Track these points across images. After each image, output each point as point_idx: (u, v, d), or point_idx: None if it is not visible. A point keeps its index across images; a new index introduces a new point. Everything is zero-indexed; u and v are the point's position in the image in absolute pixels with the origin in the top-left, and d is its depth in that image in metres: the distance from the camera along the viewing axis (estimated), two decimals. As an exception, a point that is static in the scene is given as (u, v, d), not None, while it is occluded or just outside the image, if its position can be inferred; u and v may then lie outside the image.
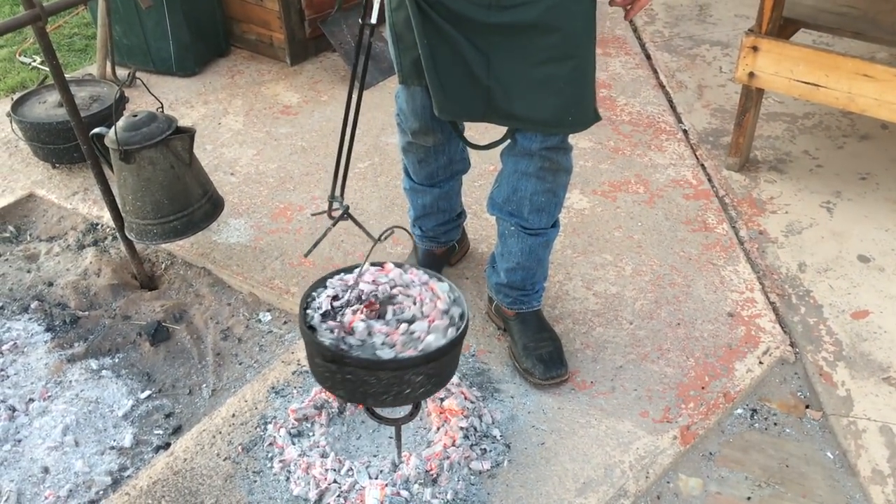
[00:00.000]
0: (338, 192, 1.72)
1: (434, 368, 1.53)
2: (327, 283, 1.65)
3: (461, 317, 1.58)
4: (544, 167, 1.88)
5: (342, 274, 1.68)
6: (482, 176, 2.78)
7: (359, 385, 1.52)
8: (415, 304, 1.61)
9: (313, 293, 1.63)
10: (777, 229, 2.56)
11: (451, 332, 1.54)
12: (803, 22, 2.65)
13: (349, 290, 1.62)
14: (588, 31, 1.72)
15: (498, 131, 1.89)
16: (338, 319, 1.57)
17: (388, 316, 1.59)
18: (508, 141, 1.92)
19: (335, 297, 1.61)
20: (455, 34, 1.70)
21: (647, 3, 1.64)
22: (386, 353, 1.51)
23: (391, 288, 1.64)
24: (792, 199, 2.68)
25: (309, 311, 1.58)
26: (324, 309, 1.58)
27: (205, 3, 3.52)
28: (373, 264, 1.68)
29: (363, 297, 1.62)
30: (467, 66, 1.73)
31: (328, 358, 1.51)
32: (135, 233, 2.28)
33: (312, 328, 1.55)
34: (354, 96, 1.69)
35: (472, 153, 2.20)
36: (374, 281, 1.65)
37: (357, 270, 1.65)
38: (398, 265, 1.69)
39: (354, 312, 1.58)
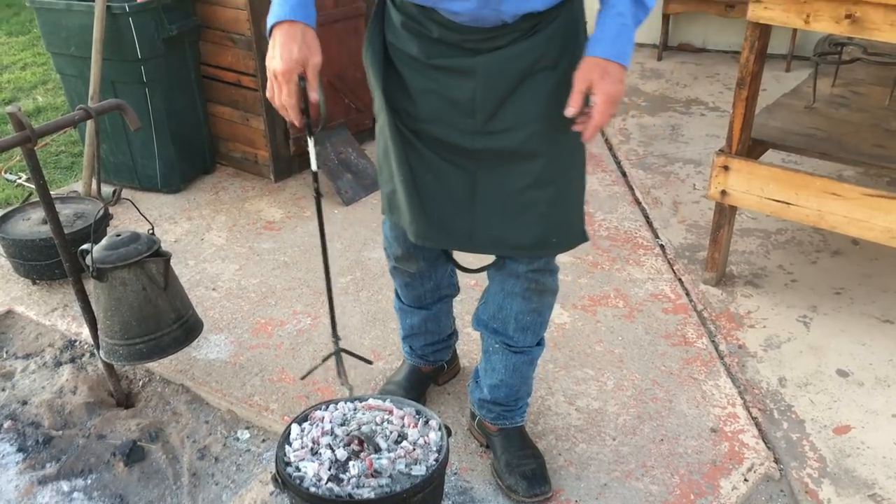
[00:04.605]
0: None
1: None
2: (308, 419, 1.68)
3: (439, 450, 1.59)
4: (530, 288, 1.89)
5: (322, 408, 1.71)
6: (463, 291, 2.80)
7: None
8: (387, 439, 1.63)
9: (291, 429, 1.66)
10: (756, 343, 2.58)
11: (431, 463, 1.55)
12: (771, 143, 2.76)
13: (331, 429, 1.66)
14: (573, 156, 1.75)
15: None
16: (320, 459, 1.59)
17: (364, 454, 1.60)
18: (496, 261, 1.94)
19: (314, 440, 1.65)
20: (439, 161, 1.72)
21: (603, 124, 1.54)
22: (366, 493, 1.51)
23: (374, 425, 1.67)
24: (769, 314, 2.71)
25: (288, 448, 1.61)
26: (307, 447, 1.61)
27: (192, 123, 3.61)
28: (355, 399, 1.71)
29: (346, 436, 1.64)
30: (451, 194, 1.75)
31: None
32: (103, 351, 2.26)
33: (289, 464, 1.57)
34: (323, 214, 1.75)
35: (460, 277, 2.22)
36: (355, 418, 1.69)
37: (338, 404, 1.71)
38: (379, 397, 1.72)
39: (333, 452, 1.60)
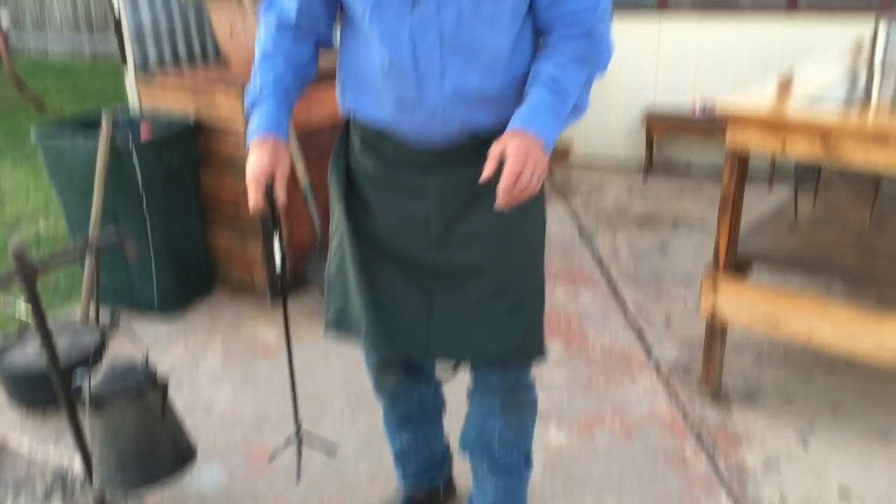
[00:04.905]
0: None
1: None
2: None
3: None
4: (508, 403, 1.90)
5: None
6: (456, 414, 2.79)
7: None
8: None
9: None
10: (755, 463, 2.56)
11: None
12: (758, 260, 2.82)
13: None
14: (529, 272, 1.79)
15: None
16: None
17: None
18: (466, 369, 1.95)
19: None
20: (396, 274, 1.78)
21: (512, 183, 1.45)
22: None
23: None
24: (767, 432, 2.70)
25: None
26: None
27: (190, 248, 3.68)
28: None
29: None
30: (408, 306, 1.79)
31: None
32: (97, 482, 2.23)
33: None
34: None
35: (447, 394, 2.23)
36: None
37: None
38: None
39: None
